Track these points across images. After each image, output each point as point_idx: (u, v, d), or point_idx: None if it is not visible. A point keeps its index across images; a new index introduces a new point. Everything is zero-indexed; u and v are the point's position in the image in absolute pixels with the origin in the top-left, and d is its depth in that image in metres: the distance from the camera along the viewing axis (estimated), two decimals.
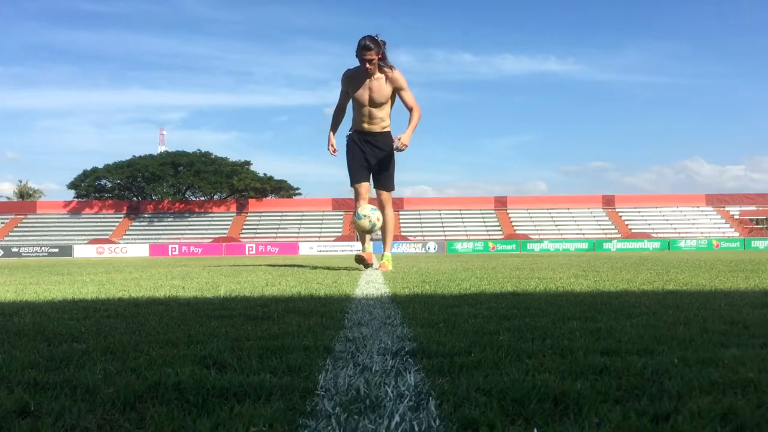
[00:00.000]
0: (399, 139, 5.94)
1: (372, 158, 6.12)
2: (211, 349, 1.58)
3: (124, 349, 1.61)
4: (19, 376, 1.31)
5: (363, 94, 6.00)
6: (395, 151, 6.06)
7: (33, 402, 1.10)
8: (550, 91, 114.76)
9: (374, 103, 6.00)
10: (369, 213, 5.97)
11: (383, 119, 6.10)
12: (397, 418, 0.99)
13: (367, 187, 6.20)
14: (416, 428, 0.96)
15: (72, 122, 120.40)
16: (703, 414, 1.01)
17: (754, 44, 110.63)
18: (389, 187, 6.23)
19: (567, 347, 1.55)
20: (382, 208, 6.20)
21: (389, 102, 6.09)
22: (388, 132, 6.16)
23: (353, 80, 6.04)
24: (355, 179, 6.22)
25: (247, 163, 58.43)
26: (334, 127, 6.33)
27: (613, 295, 3.00)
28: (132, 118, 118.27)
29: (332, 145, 6.24)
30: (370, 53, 5.83)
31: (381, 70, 5.97)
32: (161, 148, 68.90)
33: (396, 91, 6.04)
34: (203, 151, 57.53)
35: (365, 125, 6.09)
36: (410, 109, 6.11)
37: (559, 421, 1.00)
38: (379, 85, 5.98)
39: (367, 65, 5.85)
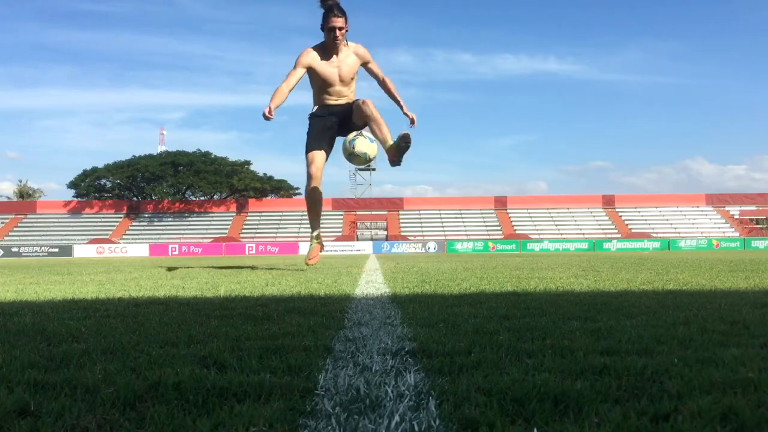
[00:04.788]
0: (411, 118, 5.52)
1: (341, 118, 5.64)
2: (211, 349, 1.58)
3: (124, 349, 1.61)
4: (19, 376, 1.31)
5: (332, 72, 5.56)
6: (411, 128, 5.53)
7: (33, 402, 1.10)
8: (550, 91, 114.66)
9: (344, 81, 5.61)
10: (366, 136, 5.29)
11: (350, 96, 5.71)
12: (397, 418, 0.99)
13: (323, 158, 5.70)
14: (416, 428, 0.96)
15: (72, 122, 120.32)
16: (703, 414, 1.01)
17: (755, 44, 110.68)
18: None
19: (567, 347, 1.55)
20: (360, 108, 5.45)
21: (355, 78, 5.72)
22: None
23: (319, 60, 5.54)
24: (312, 147, 5.65)
25: (247, 163, 58.42)
26: (276, 100, 5.37)
27: (613, 295, 3.00)
28: (132, 118, 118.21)
29: (270, 111, 5.27)
30: (340, 20, 5.36)
31: (346, 45, 5.58)
32: (161, 148, 68.91)
33: (364, 65, 5.68)
34: (203, 151, 57.54)
35: (333, 101, 5.66)
36: (383, 80, 5.74)
37: (559, 421, 1.00)
38: (346, 60, 5.57)
39: (337, 33, 5.37)
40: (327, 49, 5.55)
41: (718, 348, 1.55)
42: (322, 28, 5.47)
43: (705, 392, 1.13)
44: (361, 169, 52.92)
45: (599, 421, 0.99)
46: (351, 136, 5.35)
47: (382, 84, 5.79)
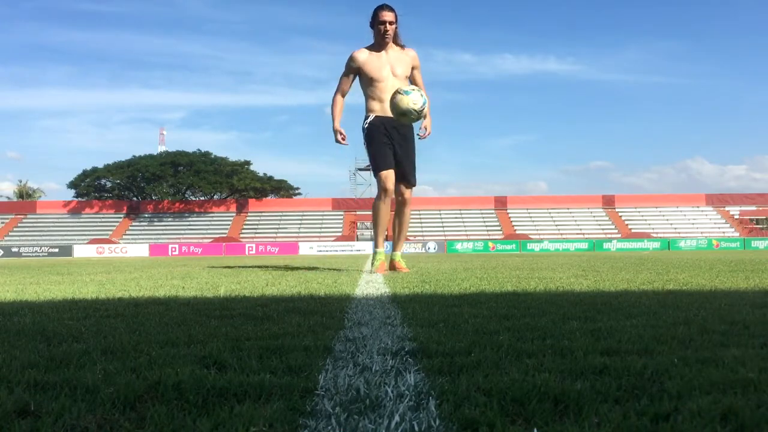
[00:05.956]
0: (425, 128, 5.55)
1: (397, 147, 5.55)
2: (211, 349, 1.58)
3: (124, 349, 1.61)
4: (19, 376, 1.31)
5: (382, 68, 5.49)
6: (419, 138, 5.61)
7: (33, 402, 1.10)
8: (550, 91, 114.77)
9: (398, 76, 5.50)
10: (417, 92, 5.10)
11: None
12: (397, 418, 0.99)
13: (394, 179, 5.53)
14: (416, 428, 0.96)
15: (72, 122, 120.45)
16: (703, 414, 1.01)
17: (755, 44, 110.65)
18: (412, 180, 5.68)
19: (567, 347, 1.55)
20: (402, 205, 5.71)
21: (407, 81, 5.60)
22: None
23: (367, 57, 5.50)
24: (383, 164, 5.46)
25: (247, 163, 58.43)
26: (337, 117, 5.68)
27: (613, 295, 3.00)
28: (132, 118, 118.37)
29: (341, 133, 5.61)
30: (390, 14, 5.40)
31: (397, 45, 5.55)
32: (161, 148, 68.86)
33: (412, 69, 5.62)
34: (203, 151, 57.56)
35: (389, 105, 5.42)
36: None
37: (559, 421, 1.00)
38: (398, 57, 5.53)
39: (387, 27, 5.38)
40: (376, 47, 5.53)
41: (718, 348, 1.55)
42: (372, 25, 5.48)
43: (705, 392, 1.13)
44: (361, 169, 52.96)
45: (599, 421, 0.99)
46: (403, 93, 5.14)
47: None
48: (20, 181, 67.83)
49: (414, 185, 5.75)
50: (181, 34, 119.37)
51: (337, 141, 5.64)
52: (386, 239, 6.02)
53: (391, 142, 5.54)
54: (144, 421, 1.01)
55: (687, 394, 1.12)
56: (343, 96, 5.72)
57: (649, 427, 0.96)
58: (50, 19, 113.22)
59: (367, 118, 5.61)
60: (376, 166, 5.53)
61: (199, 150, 57.53)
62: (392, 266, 5.78)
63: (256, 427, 0.97)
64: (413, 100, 5.08)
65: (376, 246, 5.78)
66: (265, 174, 59.01)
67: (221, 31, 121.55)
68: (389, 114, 5.42)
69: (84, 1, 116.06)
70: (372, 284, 3.93)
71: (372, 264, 5.80)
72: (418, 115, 5.15)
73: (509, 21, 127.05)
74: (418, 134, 5.63)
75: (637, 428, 0.95)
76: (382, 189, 5.51)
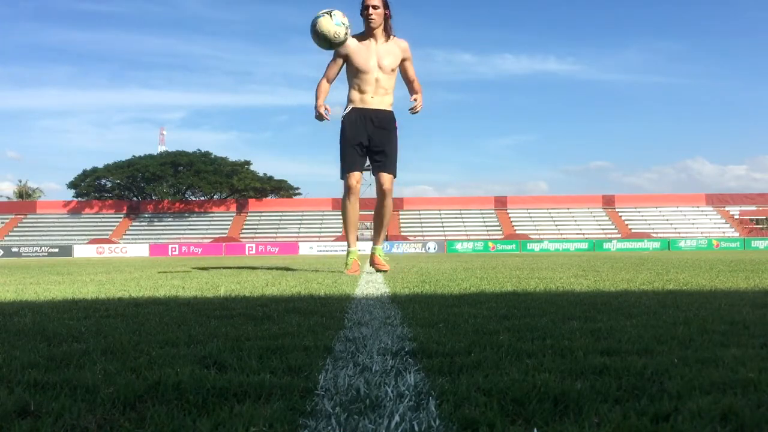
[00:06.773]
0: (414, 99, 5.45)
1: (373, 137, 5.39)
2: (211, 349, 1.58)
3: (124, 349, 1.61)
4: (19, 376, 1.31)
5: (369, 59, 5.35)
6: (411, 113, 5.53)
7: (33, 402, 1.10)
8: (550, 91, 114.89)
9: (383, 69, 5.38)
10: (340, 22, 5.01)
11: (388, 91, 5.47)
12: (397, 418, 0.99)
13: (359, 179, 5.45)
14: (416, 428, 0.96)
15: (72, 122, 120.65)
16: (703, 414, 1.01)
17: (755, 44, 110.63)
18: (391, 169, 5.48)
19: (567, 347, 1.55)
20: (382, 195, 5.55)
21: (396, 72, 5.51)
22: (392, 113, 5.52)
23: (355, 46, 5.35)
24: (349, 167, 5.37)
25: (247, 163, 58.48)
26: (321, 97, 5.51)
27: (613, 295, 3.00)
28: (132, 118, 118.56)
29: (324, 107, 5.43)
30: None
31: (387, 35, 5.44)
32: (161, 148, 68.85)
33: (402, 61, 5.51)
34: (203, 151, 57.61)
35: (369, 97, 5.39)
36: (412, 81, 5.61)
37: (559, 421, 1.00)
38: (387, 48, 5.40)
39: (371, 11, 5.27)
40: (365, 36, 5.44)
41: (718, 348, 1.55)
42: (361, 14, 5.40)
43: (705, 392, 1.13)
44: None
45: (599, 421, 0.99)
46: (321, 13, 5.07)
47: (411, 84, 5.67)
48: (20, 181, 67.86)
49: (394, 175, 5.56)
50: (181, 34, 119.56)
51: (317, 117, 5.47)
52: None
53: (360, 136, 5.39)
54: (144, 421, 1.01)
55: (687, 394, 1.12)
56: (329, 82, 5.60)
57: (649, 427, 0.96)
58: (50, 19, 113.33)
59: (345, 108, 5.52)
60: (343, 168, 5.46)
61: (199, 150, 57.60)
62: (372, 261, 5.65)
63: (256, 427, 0.97)
64: (335, 29, 5.00)
65: (348, 245, 5.68)
66: (265, 174, 59.06)
67: (221, 31, 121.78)
68: (368, 105, 5.40)
69: (84, 1, 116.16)
70: (372, 284, 3.93)
71: (345, 265, 5.64)
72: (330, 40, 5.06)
73: (509, 21, 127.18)
74: (409, 109, 5.54)
75: (637, 428, 0.95)
76: (346, 187, 5.45)
